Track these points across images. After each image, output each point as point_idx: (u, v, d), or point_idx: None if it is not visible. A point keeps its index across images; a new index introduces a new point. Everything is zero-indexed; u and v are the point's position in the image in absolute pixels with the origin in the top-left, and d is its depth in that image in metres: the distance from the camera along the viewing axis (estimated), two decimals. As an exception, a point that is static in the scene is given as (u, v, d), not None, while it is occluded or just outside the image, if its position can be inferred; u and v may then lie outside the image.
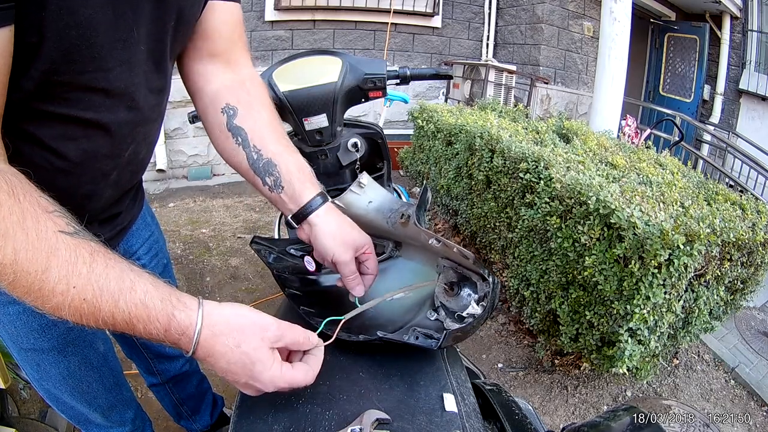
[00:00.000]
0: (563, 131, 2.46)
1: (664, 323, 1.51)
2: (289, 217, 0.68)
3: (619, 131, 3.47)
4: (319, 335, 0.58)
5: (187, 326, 0.46)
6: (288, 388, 0.51)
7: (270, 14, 4.16)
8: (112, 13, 0.49)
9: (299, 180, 0.66)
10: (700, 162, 4.62)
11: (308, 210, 0.65)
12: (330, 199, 0.68)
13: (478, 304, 0.63)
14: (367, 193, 0.73)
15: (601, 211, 1.49)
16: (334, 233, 0.65)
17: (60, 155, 0.57)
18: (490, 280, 0.61)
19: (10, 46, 0.43)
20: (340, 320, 0.62)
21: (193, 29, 0.66)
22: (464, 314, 0.62)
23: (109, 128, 0.59)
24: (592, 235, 1.55)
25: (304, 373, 0.52)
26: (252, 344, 0.49)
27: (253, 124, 0.67)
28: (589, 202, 1.52)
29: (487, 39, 5.04)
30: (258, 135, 0.67)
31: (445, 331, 0.60)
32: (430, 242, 0.65)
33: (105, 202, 0.71)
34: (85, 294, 0.43)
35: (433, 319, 0.67)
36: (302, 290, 0.75)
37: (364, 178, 0.73)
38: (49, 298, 0.42)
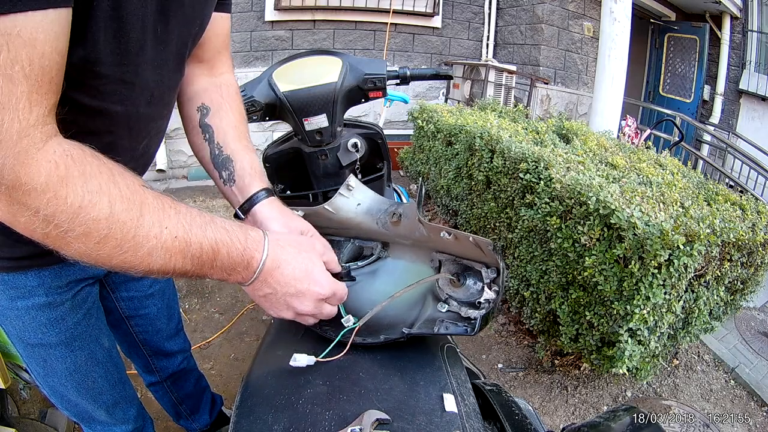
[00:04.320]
0: (563, 131, 2.46)
1: (664, 323, 1.51)
2: (237, 209, 0.73)
3: (619, 131, 3.47)
4: (336, 344, 0.62)
5: (259, 241, 0.54)
6: (334, 297, 0.60)
7: (270, 14, 4.16)
8: (147, 11, 0.52)
9: (249, 175, 0.72)
10: (700, 162, 4.62)
11: (254, 201, 0.71)
12: (275, 195, 0.74)
13: (490, 289, 0.65)
14: (356, 196, 0.74)
15: (601, 211, 1.49)
16: (277, 218, 0.70)
17: None
18: (502, 266, 0.63)
19: (68, 28, 0.43)
20: (354, 328, 0.64)
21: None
22: (481, 300, 0.66)
23: (129, 121, 0.62)
24: (592, 236, 1.55)
25: (342, 285, 0.61)
26: (308, 251, 0.58)
27: (220, 123, 0.75)
28: (589, 202, 1.52)
29: (487, 39, 5.04)
30: (222, 133, 0.74)
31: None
32: (441, 235, 0.66)
33: None
34: (176, 232, 0.48)
35: (444, 311, 0.69)
36: None
37: (352, 180, 0.73)
38: (142, 245, 0.46)
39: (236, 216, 0.73)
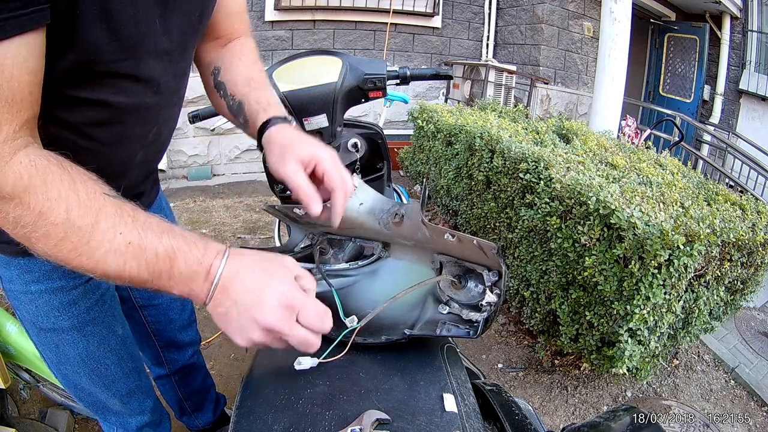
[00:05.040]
0: (563, 131, 2.46)
1: (664, 323, 1.51)
2: (258, 148, 0.72)
3: (619, 131, 3.47)
4: (337, 344, 0.62)
5: (219, 251, 0.53)
6: (304, 313, 0.53)
7: (270, 14, 4.16)
8: (138, 7, 0.53)
9: (256, 111, 0.72)
10: (700, 162, 4.63)
11: (261, 134, 0.70)
12: (289, 121, 0.70)
13: (492, 292, 0.65)
14: (358, 195, 0.74)
15: (601, 211, 1.49)
16: (278, 148, 0.65)
17: (91, 138, 0.61)
18: (504, 269, 0.63)
19: (41, 45, 0.46)
20: (355, 328, 0.64)
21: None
22: (483, 303, 0.65)
23: (137, 111, 0.64)
24: (592, 236, 1.55)
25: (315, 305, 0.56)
26: (271, 260, 0.56)
27: (230, 76, 0.77)
28: (589, 202, 1.52)
29: (487, 39, 5.04)
30: (232, 84, 0.76)
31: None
32: (445, 237, 0.66)
33: (132, 180, 0.79)
34: (131, 237, 0.49)
35: (445, 312, 0.69)
36: None
37: (355, 180, 0.73)
38: (96, 249, 0.48)
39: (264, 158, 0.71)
